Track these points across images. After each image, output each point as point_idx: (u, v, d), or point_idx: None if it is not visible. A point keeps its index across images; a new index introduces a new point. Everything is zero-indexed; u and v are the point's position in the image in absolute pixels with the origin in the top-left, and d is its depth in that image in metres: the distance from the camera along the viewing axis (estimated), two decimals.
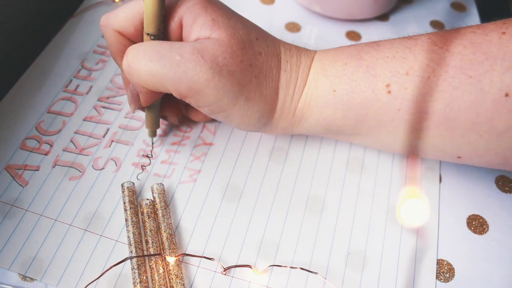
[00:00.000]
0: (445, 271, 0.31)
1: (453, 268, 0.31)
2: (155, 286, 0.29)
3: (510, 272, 0.31)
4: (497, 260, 0.32)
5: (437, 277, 0.31)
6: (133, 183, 0.32)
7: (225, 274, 0.30)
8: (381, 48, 0.30)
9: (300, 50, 0.32)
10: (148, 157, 0.35)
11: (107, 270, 0.28)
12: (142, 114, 0.37)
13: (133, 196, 0.32)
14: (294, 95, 0.31)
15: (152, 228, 0.31)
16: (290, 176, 0.35)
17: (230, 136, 0.37)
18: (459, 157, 0.31)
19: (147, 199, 0.32)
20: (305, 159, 0.36)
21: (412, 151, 0.31)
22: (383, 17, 0.47)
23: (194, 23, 0.29)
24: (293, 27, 0.45)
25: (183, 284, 0.29)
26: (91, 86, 0.38)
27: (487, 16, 0.48)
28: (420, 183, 0.35)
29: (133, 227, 0.30)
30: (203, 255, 0.30)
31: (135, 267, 0.29)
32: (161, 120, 0.35)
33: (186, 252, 0.31)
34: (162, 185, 0.32)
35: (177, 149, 0.36)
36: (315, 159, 0.36)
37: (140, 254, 0.29)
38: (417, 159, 0.35)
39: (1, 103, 0.36)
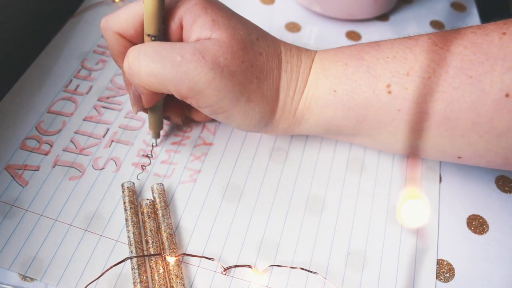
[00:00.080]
0: (445, 271, 0.31)
1: (453, 268, 0.31)
2: (155, 286, 0.29)
3: (510, 272, 0.31)
4: (497, 260, 0.32)
5: (437, 277, 0.31)
6: (133, 183, 0.32)
7: (225, 274, 0.30)
8: (382, 48, 0.30)
9: (300, 50, 0.32)
10: (148, 157, 0.35)
11: (107, 270, 0.28)
12: (142, 114, 0.37)
13: (133, 196, 0.32)
14: (294, 96, 0.31)
15: (152, 228, 0.31)
16: (290, 176, 0.35)
17: (230, 136, 0.37)
18: (459, 157, 0.31)
19: (147, 199, 0.32)
20: (305, 159, 0.36)
21: (413, 152, 0.31)
22: (383, 17, 0.47)
23: (194, 23, 0.29)
24: (293, 27, 0.45)
25: (183, 284, 0.29)
26: (91, 86, 0.38)
27: (487, 16, 0.48)
28: (420, 183, 0.35)
29: (133, 227, 0.30)
30: (203, 255, 0.30)
31: (135, 267, 0.29)
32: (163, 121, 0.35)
33: (186, 252, 0.31)
34: (162, 185, 0.32)
35: (177, 149, 0.36)
36: (315, 159, 0.36)
37: (140, 254, 0.29)
38: (417, 159, 0.35)
39: (1, 103, 0.36)
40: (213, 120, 0.37)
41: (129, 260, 0.29)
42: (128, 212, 0.31)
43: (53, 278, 0.29)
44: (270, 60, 0.30)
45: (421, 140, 0.30)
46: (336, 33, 0.45)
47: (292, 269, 0.30)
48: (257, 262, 0.31)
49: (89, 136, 0.35)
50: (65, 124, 0.36)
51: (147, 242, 0.30)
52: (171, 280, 0.29)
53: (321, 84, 0.31)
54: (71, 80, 0.38)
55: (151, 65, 0.27)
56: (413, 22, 0.46)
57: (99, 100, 0.38)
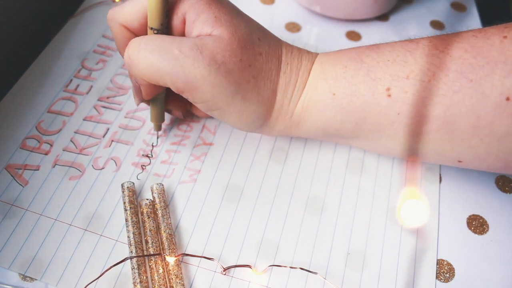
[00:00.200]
0: (445, 271, 0.31)
1: (453, 268, 0.31)
2: (154, 286, 0.29)
3: (510, 272, 0.31)
4: (497, 260, 0.32)
5: (437, 277, 0.31)
6: (133, 183, 0.32)
7: (224, 274, 0.30)
8: (382, 51, 0.30)
9: (302, 53, 0.32)
10: (148, 157, 0.35)
11: (107, 270, 0.28)
12: (142, 114, 0.37)
13: (133, 196, 0.32)
14: (292, 98, 0.31)
15: (152, 228, 0.31)
16: (290, 176, 0.35)
17: (230, 136, 0.37)
18: (460, 161, 0.31)
19: (147, 199, 0.32)
20: (305, 159, 0.36)
21: (412, 155, 0.31)
22: (383, 17, 0.47)
23: (197, 19, 0.29)
24: (293, 27, 0.45)
25: (183, 284, 0.29)
26: (91, 86, 0.38)
27: (487, 16, 0.48)
28: (420, 183, 0.35)
29: (133, 227, 0.30)
30: (203, 255, 0.30)
31: (135, 267, 0.29)
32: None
33: (186, 252, 0.31)
34: (162, 185, 0.32)
35: (177, 149, 0.36)
36: (315, 159, 0.36)
37: (140, 254, 0.29)
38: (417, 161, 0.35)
39: (1, 103, 0.36)
40: (213, 120, 0.37)
41: (129, 260, 0.29)
42: (128, 212, 0.31)
43: (53, 277, 0.29)
44: (269, 61, 0.30)
45: (420, 143, 0.30)
46: (336, 33, 0.45)
47: (291, 269, 0.30)
48: (256, 262, 0.31)
49: (89, 136, 0.35)
50: (65, 123, 0.36)
51: (146, 242, 0.30)
52: (171, 280, 0.29)
53: (320, 87, 0.31)
54: (71, 80, 0.38)
55: (149, 57, 0.28)
56: (413, 22, 0.46)
57: (99, 100, 0.38)
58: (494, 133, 0.27)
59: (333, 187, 0.34)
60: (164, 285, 0.29)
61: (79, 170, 0.34)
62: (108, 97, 0.38)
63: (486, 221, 0.34)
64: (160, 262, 0.29)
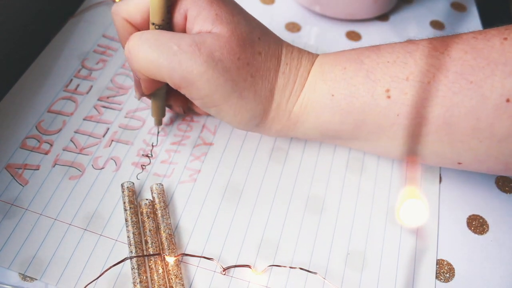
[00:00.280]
0: (445, 271, 0.31)
1: (453, 268, 0.31)
2: (154, 286, 0.29)
3: (510, 272, 0.31)
4: (497, 260, 0.32)
5: (437, 277, 0.31)
6: (133, 183, 0.32)
7: (224, 274, 0.30)
8: (382, 53, 0.30)
9: (302, 53, 0.32)
10: (148, 156, 0.35)
11: (106, 270, 0.28)
12: (142, 114, 0.37)
13: (133, 196, 0.32)
14: (290, 98, 0.31)
15: (152, 228, 0.31)
16: (290, 176, 0.35)
17: (230, 136, 0.37)
18: (459, 163, 0.30)
19: (147, 199, 0.32)
20: (305, 159, 0.36)
21: (412, 157, 0.30)
22: (383, 17, 0.47)
23: (198, 16, 0.29)
24: (293, 27, 0.45)
25: (183, 284, 0.29)
26: (91, 86, 0.38)
27: (487, 16, 0.48)
28: (420, 183, 0.35)
29: (133, 227, 0.30)
30: (203, 255, 0.30)
31: (135, 267, 0.29)
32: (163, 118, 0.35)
33: (186, 252, 0.31)
34: (162, 185, 0.32)
35: (177, 148, 0.36)
36: (315, 159, 0.36)
37: (140, 254, 0.29)
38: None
39: (1, 103, 0.36)
40: (213, 120, 0.37)
41: (129, 260, 0.29)
42: (128, 212, 0.31)
43: (53, 277, 0.29)
44: (268, 60, 0.30)
45: (420, 145, 0.30)
46: (336, 33, 0.45)
47: (291, 269, 0.30)
48: (256, 262, 0.31)
49: (89, 136, 0.35)
50: (65, 123, 0.36)
51: (146, 242, 0.30)
52: (171, 280, 0.29)
53: (318, 88, 0.31)
54: (71, 80, 0.39)
55: (148, 51, 0.28)
56: (413, 22, 0.46)
57: (99, 99, 0.38)
58: (494, 135, 0.27)
59: (333, 187, 0.34)
60: (163, 285, 0.29)
61: (79, 170, 0.34)
62: (108, 97, 0.38)
63: (486, 221, 0.34)
64: (159, 262, 0.29)
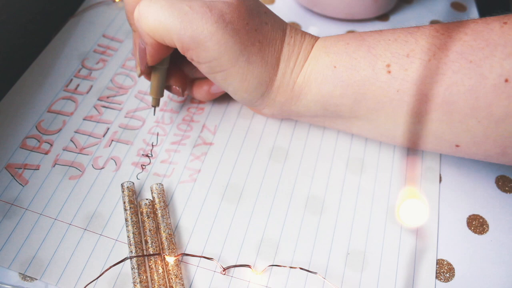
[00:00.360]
0: (445, 271, 0.31)
1: (453, 268, 0.31)
2: (154, 286, 0.29)
3: (510, 272, 0.31)
4: (497, 260, 0.32)
5: (437, 277, 0.31)
6: (133, 183, 0.32)
7: (224, 274, 0.30)
8: (384, 33, 0.31)
9: (304, 32, 0.33)
10: (148, 156, 0.35)
11: (106, 270, 0.28)
12: (142, 113, 0.37)
13: (133, 195, 0.32)
14: (294, 68, 0.32)
15: (152, 228, 0.31)
16: (290, 176, 0.35)
17: (230, 136, 0.37)
18: (457, 146, 0.31)
19: (146, 199, 0.32)
20: (305, 159, 0.36)
21: (411, 138, 0.31)
22: (383, 17, 0.47)
23: None
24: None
25: (182, 284, 0.29)
26: (91, 86, 0.38)
27: (487, 16, 0.48)
28: (420, 183, 0.35)
29: (133, 227, 0.30)
30: (203, 255, 0.30)
31: (135, 266, 0.29)
32: (162, 116, 0.35)
33: (186, 252, 0.31)
34: (161, 185, 0.32)
35: (177, 148, 0.36)
36: (315, 159, 0.36)
37: (140, 254, 0.29)
38: (417, 158, 0.35)
39: (1, 103, 0.36)
40: (213, 119, 0.37)
41: (129, 259, 0.29)
42: (128, 212, 0.31)
43: (53, 277, 0.29)
44: (274, 31, 0.31)
45: (419, 124, 0.30)
46: (336, 33, 0.45)
47: (291, 269, 0.30)
48: (256, 262, 0.31)
49: (89, 136, 0.35)
50: (65, 123, 0.36)
51: (146, 242, 0.30)
52: (171, 280, 0.29)
53: (321, 59, 0.32)
54: (71, 80, 0.39)
55: (159, 11, 0.29)
56: (413, 22, 0.46)
57: (99, 99, 0.38)
58: (492, 115, 0.28)
59: (333, 187, 0.34)
60: (163, 285, 0.29)
61: (79, 170, 0.34)
62: (108, 97, 0.38)
63: (486, 221, 0.34)
64: (159, 262, 0.29)
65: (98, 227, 0.31)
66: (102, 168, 0.34)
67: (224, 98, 0.38)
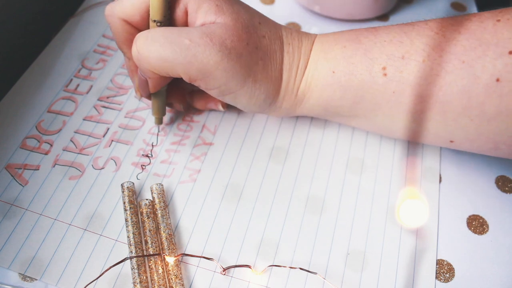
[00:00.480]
0: (445, 271, 0.31)
1: (453, 268, 0.31)
2: (154, 286, 0.29)
3: (510, 272, 0.31)
4: (497, 260, 0.32)
5: (437, 277, 0.31)
6: (133, 183, 0.32)
7: (224, 274, 0.30)
8: (379, 33, 0.31)
9: (300, 34, 0.33)
10: (148, 156, 0.35)
11: (106, 270, 0.28)
12: (142, 114, 0.37)
13: (133, 196, 0.32)
14: (296, 76, 0.32)
15: (152, 228, 0.31)
16: (290, 176, 0.35)
17: (230, 136, 0.37)
18: (451, 141, 0.31)
19: (146, 199, 0.32)
20: (305, 159, 0.36)
21: (409, 135, 0.32)
22: (383, 17, 0.47)
23: (199, 9, 0.29)
24: (293, 27, 0.45)
25: (182, 284, 0.29)
26: (91, 86, 0.38)
27: None
28: (420, 183, 0.35)
29: (133, 227, 0.30)
30: (203, 255, 0.30)
31: (135, 267, 0.29)
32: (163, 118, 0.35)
33: (186, 252, 0.31)
34: (161, 185, 0.32)
35: (177, 148, 0.36)
36: (315, 159, 0.36)
37: (140, 254, 0.29)
38: (417, 158, 0.36)
39: (1, 103, 0.36)
40: (213, 119, 0.37)
41: (129, 260, 0.29)
42: (128, 212, 0.31)
43: (53, 277, 0.29)
44: (272, 43, 0.31)
45: (415, 122, 0.31)
46: None
47: (291, 269, 0.30)
48: (256, 262, 0.31)
49: (89, 136, 0.35)
50: (65, 123, 0.36)
51: (146, 242, 0.30)
52: (170, 280, 0.29)
53: (320, 65, 0.32)
54: (71, 80, 0.39)
55: (160, 50, 0.28)
56: None
57: (99, 99, 0.38)
58: (484, 113, 0.28)
59: (333, 187, 0.34)
60: (163, 285, 0.29)
61: (79, 170, 0.34)
62: (108, 97, 0.38)
63: (486, 221, 0.34)
64: (159, 262, 0.29)
65: (98, 227, 0.31)
66: (102, 168, 0.34)
67: None
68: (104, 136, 0.36)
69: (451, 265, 0.31)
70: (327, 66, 0.32)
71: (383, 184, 0.35)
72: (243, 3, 0.32)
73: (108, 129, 0.36)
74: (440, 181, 0.35)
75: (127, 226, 0.30)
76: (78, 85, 0.38)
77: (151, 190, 0.32)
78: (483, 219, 0.34)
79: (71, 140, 0.35)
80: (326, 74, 0.32)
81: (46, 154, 0.34)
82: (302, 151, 0.36)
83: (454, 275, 0.31)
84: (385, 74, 0.30)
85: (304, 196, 0.34)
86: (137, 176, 0.34)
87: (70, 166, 0.34)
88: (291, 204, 0.33)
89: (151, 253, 0.30)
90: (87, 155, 0.34)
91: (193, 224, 0.32)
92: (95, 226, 0.31)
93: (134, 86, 0.34)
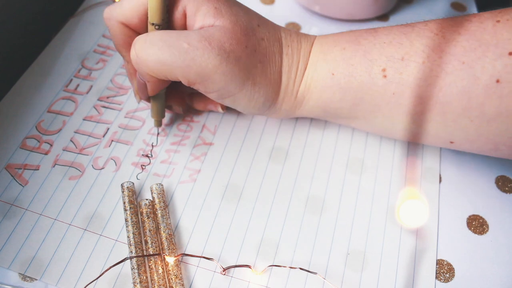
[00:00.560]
0: (445, 271, 0.31)
1: (453, 268, 0.31)
2: (154, 286, 0.29)
3: (510, 272, 0.31)
4: (497, 260, 0.32)
5: (437, 277, 0.31)
6: (133, 183, 0.32)
7: (224, 274, 0.30)
8: (379, 34, 0.31)
9: (300, 36, 0.33)
10: (148, 156, 0.35)
11: (106, 270, 0.28)
12: (142, 114, 0.37)
13: (133, 196, 0.32)
14: (296, 78, 0.32)
15: (152, 228, 0.31)
16: (290, 176, 0.35)
17: (230, 136, 0.37)
18: (451, 142, 0.31)
19: (146, 199, 0.32)
20: (305, 159, 0.36)
21: (409, 136, 0.31)
22: (383, 17, 0.47)
23: (198, 11, 0.29)
24: (293, 27, 0.45)
25: (182, 284, 0.29)
26: (91, 86, 0.38)
27: None
28: (420, 183, 0.35)
29: (133, 227, 0.30)
30: (203, 255, 0.30)
31: (135, 267, 0.29)
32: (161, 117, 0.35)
33: (186, 252, 0.31)
34: (161, 185, 0.32)
35: (176, 148, 0.36)
36: (315, 159, 0.36)
37: (140, 254, 0.29)
38: (417, 158, 0.36)
39: (1, 103, 0.36)
40: (213, 120, 0.37)
41: (129, 260, 0.29)
42: (128, 212, 0.31)
43: (53, 277, 0.29)
44: (271, 45, 0.31)
45: (414, 124, 0.31)
46: None
47: (291, 269, 0.30)
48: (256, 262, 0.31)
49: (89, 136, 0.35)
50: (65, 123, 0.36)
51: (146, 242, 0.30)
52: (170, 280, 0.29)
53: (320, 67, 0.32)
54: (71, 80, 0.39)
55: (158, 53, 0.28)
56: None
57: (99, 99, 0.38)
58: (484, 114, 0.28)
59: (333, 187, 0.34)
60: (163, 285, 0.29)
61: (79, 170, 0.34)
62: (108, 97, 0.38)
63: (486, 221, 0.34)
64: (159, 262, 0.29)
65: (98, 227, 0.31)
66: (102, 168, 0.34)
67: None
68: (104, 136, 0.36)
69: (451, 265, 0.31)
70: (326, 68, 0.32)
71: (383, 184, 0.35)
72: (242, 5, 0.31)
73: (108, 129, 0.36)
74: (440, 181, 0.35)
75: (127, 226, 0.30)
76: (78, 85, 0.38)
77: (151, 190, 0.32)
78: (483, 219, 0.34)
79: (71, 140, 0.35)
80: (325, 76, 0.32)
81: (46, 154, 0.34)
82: (302, 151, 0.36)
83: (454, 275, 0.31)
84: (384, 76, 0.30)
85: (304, 196, 0.34)
86: (137, 176, 0.34)
87: (70, 166, 0.34)
88: (291, 204, 0.33)
89: (151, 253, 0.30)
90: (87, 155, 0.34)
91: (193, 224, 0.32)
92: (95, 226, 0.31)
93: (133, 89, 0.34)
